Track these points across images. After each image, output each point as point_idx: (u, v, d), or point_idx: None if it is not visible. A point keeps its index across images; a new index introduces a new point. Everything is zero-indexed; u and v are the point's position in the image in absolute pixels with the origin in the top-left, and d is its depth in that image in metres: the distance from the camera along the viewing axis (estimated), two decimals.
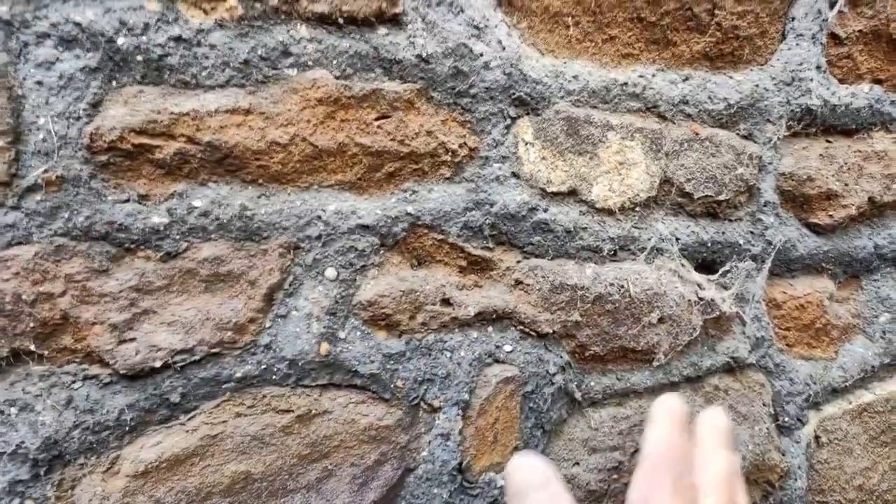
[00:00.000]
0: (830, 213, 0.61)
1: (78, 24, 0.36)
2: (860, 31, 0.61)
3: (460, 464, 0.47)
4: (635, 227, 0.52)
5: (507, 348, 0.48)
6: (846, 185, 0.62)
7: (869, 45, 0.62)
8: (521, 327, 0.49)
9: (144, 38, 0.37)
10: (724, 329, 0.57)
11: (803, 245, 0.61)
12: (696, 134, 0.54)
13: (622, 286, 0.51)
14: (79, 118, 0.36)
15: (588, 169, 0.50)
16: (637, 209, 0.52)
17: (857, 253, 0.64)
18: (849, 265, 0.64)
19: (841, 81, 0.62)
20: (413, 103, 0.45)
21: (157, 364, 0.38)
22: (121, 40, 0.37)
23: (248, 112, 0.40)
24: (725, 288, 0.56)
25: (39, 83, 0.35)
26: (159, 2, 0.38)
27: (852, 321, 0.65)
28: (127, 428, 0.38)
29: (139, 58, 0.37)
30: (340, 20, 0.42)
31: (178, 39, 0.38)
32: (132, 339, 0.38)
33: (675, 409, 0.41)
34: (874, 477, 0.64)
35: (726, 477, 0.35)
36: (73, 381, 0.37)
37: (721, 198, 0.55)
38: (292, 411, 0.42)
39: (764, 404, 0.59)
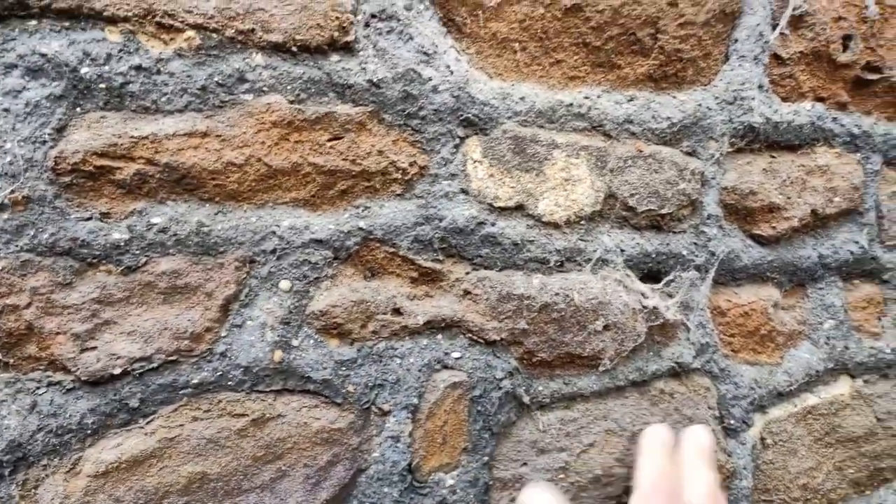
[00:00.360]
0: (773, 224, 0.64)
1: (44, 55, 0.39)
2: (801, 52, 0.64)
3: (410, 464, 0.49)
4: (581, 240, 0.55)
5: (456, 355, 0.51)
6: (789, 198, 0.65)
7: (810, 65, 0.65)
8: (470, 335, 0.52)
9: (107, 67, 0.40)
10: (669, 335, 0.60)
11: (747, 255, 0.64)
12: (640, 151, 0.57)
13: (568, 295, 0.54)
14: (44, 142, 0.39)
15: (535, 185, 0.53)
16: (583, 223, 0.55)
17: (802, 262, 0.67)
18: (794, 274, 0.68)
19: (784, 100, 0.65)
20: (365, 125, 0.48)
21: (117, 371, 0.41)
22: (84, 70, 0.39)
23: (205, 135, 0.43)
24: (670, 296, 0.59)
25: (6, 110, 0.38)
26: (121, 34, 0.41)
27: (798, 328, 0.68)
28: (89, 431, 0.41)
29: (102, 86, 0.40)
30: (294, 48, 0.45)
31: (138, 68, 0.41)
32: (94, 348, 0.41)
33: (662, 439, 0.50)
34: (818, 476, 0.67)
35: (711, 492, 0.41)
36: (38, 387, 0.40)
37: (664, 211, 0.58)
38: (247, 415, 0.45)
39: (709, 407, 0.62)
